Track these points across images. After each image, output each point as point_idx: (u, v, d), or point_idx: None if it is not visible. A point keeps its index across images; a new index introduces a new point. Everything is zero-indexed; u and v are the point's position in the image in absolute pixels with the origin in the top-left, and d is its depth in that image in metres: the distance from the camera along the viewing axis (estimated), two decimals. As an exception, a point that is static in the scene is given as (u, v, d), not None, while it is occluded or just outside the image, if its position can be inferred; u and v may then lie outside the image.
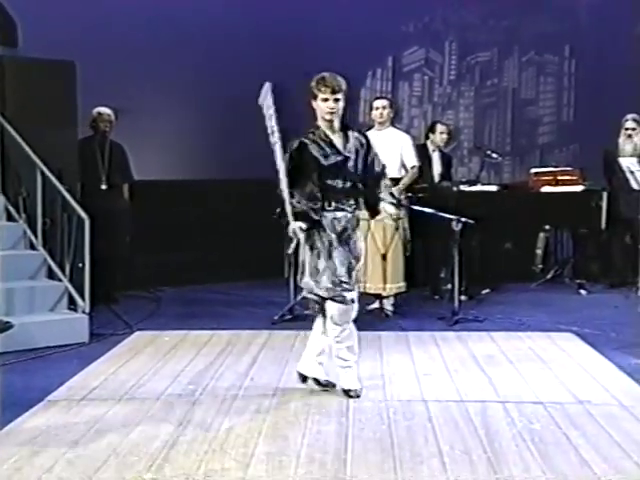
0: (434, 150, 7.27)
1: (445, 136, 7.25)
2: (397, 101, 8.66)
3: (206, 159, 7.91)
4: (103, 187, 6.41)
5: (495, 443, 3.36)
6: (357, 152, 3.97)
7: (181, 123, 7.76)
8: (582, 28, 8.76)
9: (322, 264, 3.89)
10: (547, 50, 8.95)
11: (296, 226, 3.84)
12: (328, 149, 3.90)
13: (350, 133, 3.98)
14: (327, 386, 4.08)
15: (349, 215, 3.95)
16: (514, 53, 8.99)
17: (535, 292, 7.16)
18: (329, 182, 3.90)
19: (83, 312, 5.36)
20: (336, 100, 3.84)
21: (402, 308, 6.16)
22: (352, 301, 3.93)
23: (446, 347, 5.06)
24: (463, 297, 6.27)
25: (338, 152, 3.92)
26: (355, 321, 5.34)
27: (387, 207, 4.04)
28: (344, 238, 3.94)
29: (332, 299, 3.90)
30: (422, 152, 6.91)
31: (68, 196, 5.53)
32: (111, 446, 3.34)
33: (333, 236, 3.90)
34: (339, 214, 3.92)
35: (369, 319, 5.90)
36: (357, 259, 4.02)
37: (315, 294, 3.95)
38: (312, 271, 3.92)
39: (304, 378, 4.12)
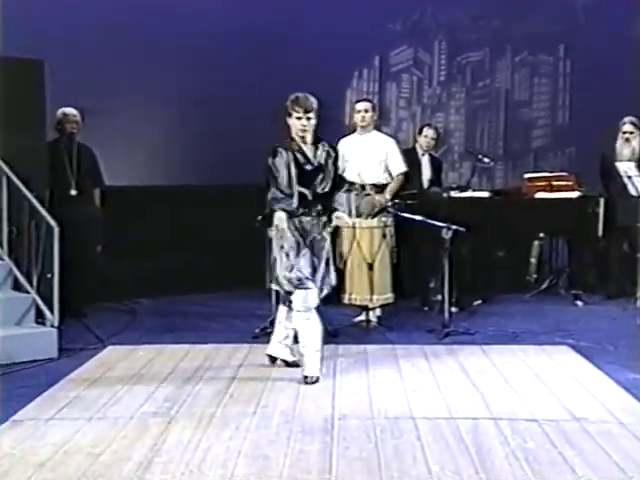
0: (423, 154, 7.30)
1: (430, 140, 7.26)
2: (383, 103, 8.70)
3: (183, 163, 7.89)
4: (72, 193, 6.38)
5: (487, 462, 3.37)
6: (326, 163, 4.69)
7: (155, 125, 7.74)
8: (577, 27, 8.83)
9: (290, 262, 4.59)
10: (541, 50, 9.01)
11: (281, 215, 4.56)
12: (301, 158, 4.62)
13: (320, 145, 4.69)
14: (294, 366, 4.77)
15: (314, 220, 4.65)
16: (507, 53, 9.05)
17: (529, 303, 7.19)
18: (300, 189, 4.60)
19: (52, 326, 5.32)
20: (308, 118, 4.58)
21: (390, 320, 6.16)
22: (309, 287, 4.62)
23: (436, 361, 5.08)
24: (454, 308, 6.29)
25: (309, 162, 4.64)
26: (336, 335, 5.41)
27: (339, 215, 4.77)
28: (309, 240, 4.64)
29: (296, 287, 4.62)
30: (411, 156, 6.93)
31: (36, 203, 5.50)
32: (81, 469, 3.31)
33: (300, 238, 4.61)
34: (305, 219, 4.64)
35: (355, 332, 5.91)
36: (320, 260, 4.69)
37: (284, 289, 4.71)
38: (285, 267, 4.62)
39: (273, 359, 4.91)
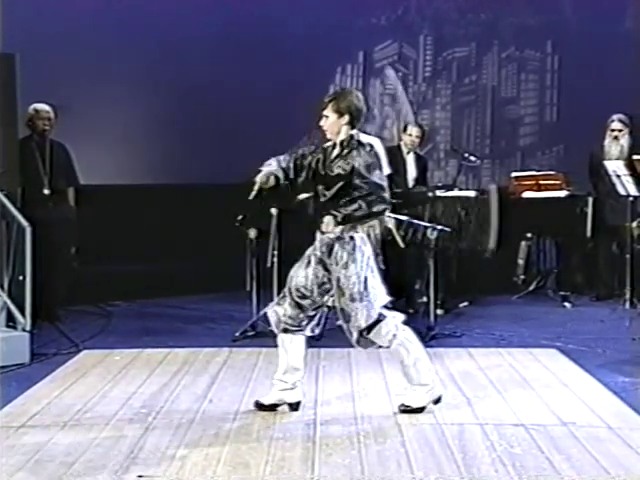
0: (408, 152, 7.31)
1: (415, 138, 7.26)
2: (366, 100, 8.69)
3: (160, 162, 7.87)
4: (45, 192, 6.34)
5: (473, 468, 3.38)
6: (353, 168, 4.02)
7: (133, 122, 7.71)
8: (566, 22, 8.88)
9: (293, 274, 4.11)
10: (529, 45, 9.06)
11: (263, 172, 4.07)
12: (316, 162, 4.12)
13: (351, 144, 4.08)
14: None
15: (320, 236, 4.06)
16: (493, 48, 9.09)
17: (516, 305, 7.23)
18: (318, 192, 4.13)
19: (24, 330, 5.28)
20: (325, 117, 4.11)
21: (374, 323, 6.17)
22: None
23: (421, 365, 5.08)
24: (439, 311, 6.31)
25: (324, 165, 4.10)
26: (319, 338, 5.37)
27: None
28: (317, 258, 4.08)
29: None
30: (396, 155, 6.94)
31: (7, 202, 5.46)
32: (53, 478, 3.28)
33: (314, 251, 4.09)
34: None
35: (338, 334, 5.89)
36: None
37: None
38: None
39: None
